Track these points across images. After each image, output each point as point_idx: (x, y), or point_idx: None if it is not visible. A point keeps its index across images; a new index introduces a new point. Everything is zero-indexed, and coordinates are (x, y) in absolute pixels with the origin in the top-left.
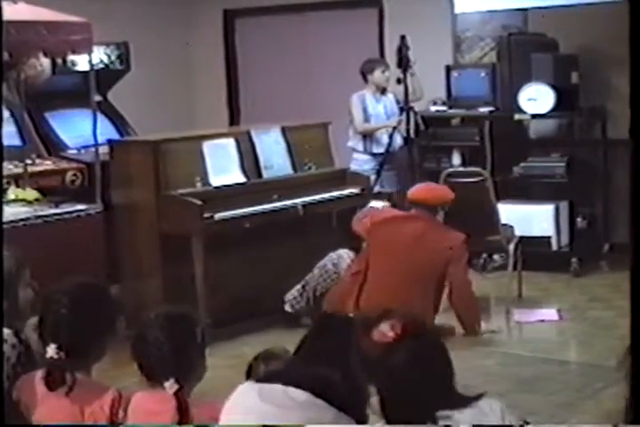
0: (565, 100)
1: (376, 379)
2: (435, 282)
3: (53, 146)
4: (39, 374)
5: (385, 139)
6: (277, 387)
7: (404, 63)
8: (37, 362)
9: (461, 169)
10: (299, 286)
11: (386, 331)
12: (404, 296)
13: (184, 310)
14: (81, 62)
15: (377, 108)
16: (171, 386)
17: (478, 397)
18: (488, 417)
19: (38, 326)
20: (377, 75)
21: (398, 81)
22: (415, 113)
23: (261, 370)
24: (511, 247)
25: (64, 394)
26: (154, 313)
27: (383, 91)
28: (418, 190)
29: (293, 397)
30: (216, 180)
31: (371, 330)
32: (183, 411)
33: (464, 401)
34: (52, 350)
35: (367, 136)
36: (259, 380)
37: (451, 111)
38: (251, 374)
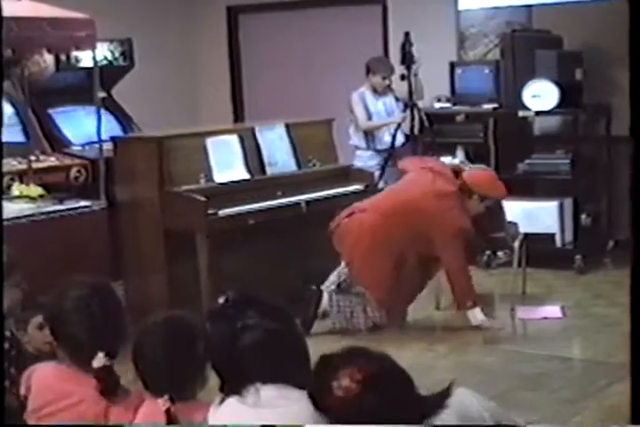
0: (569, 96)
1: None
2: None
3: (57, 142)
4: (52, 371)
5: (386, 137)
6: (249, 388)
7: (407, 60)
8: (28, 359)
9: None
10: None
11: (347, 384)
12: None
13: (185, 320)
14: (85, 59)
15: (377, 106)
16: (163, 403)
17: (449, 390)
18: (473, 406)
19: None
20: (377, 79)
21: (402, 77)
22: (419, 110)
23: None
24: (515, 244)
25: (112, 400)
26: (152, 322)
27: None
28: (477, 174)
29: (265, 395)
30: (220, 176)
31: (330, 387)
32: (106, 387)
33: (441, 401)
34: (101, 359)
35: (369, 134)
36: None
37: (455, 108)
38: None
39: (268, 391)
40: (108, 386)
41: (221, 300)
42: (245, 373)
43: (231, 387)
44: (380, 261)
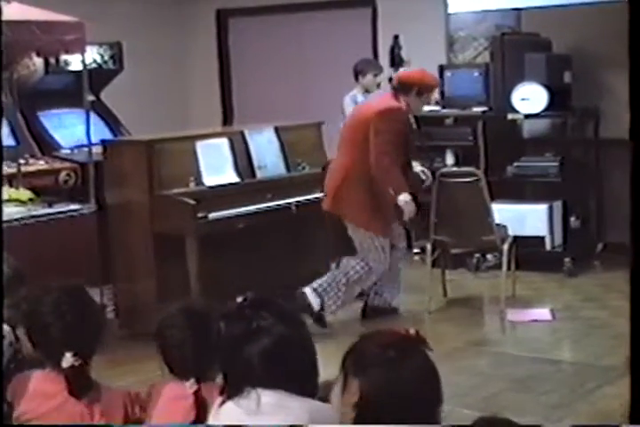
0: (558, 99)
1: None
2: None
3: (47, 146)
4: (35, 376)
5: None
6: (251, 393)
7: (396, 62)
8: (26, 365)
9: (455, 169)
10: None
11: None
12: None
13: (203, 307)
14: (74, 62)
15: None
16: (191, 386)
17: None
18: None
19: (29, 336)
20: (369, 78)
21: (390, 79)
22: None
23: None
24: (505, 247)
25: (88, 400)
26: (174, 310)
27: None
28: (409, 71)
29: (264, 402)
30: (210, 179)
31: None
32: (200, 409)
33: None
34: (70, 359)
35: None
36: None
37: (444, 111)
38: None
39: (268, 398)
40: (78, 386)
41: (239, 299)
42: (251, 376)
43: (233, 390)
44: (355, 193)
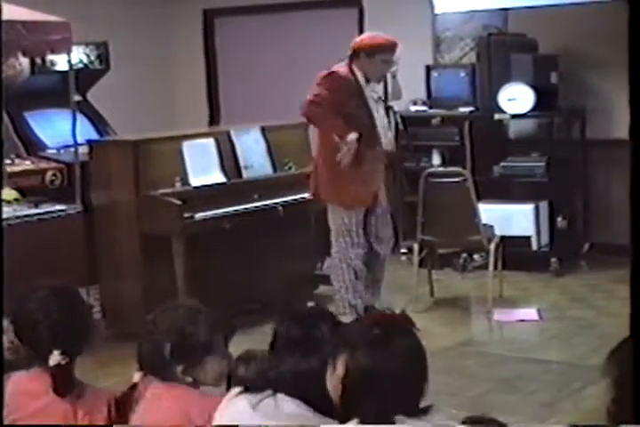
0: (545, 100)
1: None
2: None
3: (32, 146)
4: (26, 376)
5: None
6: (269, 398)
7: None
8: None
9: (442, 169)
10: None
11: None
12: None
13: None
14: (60, 62)
15: None
16: (54, 359)
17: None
18: None
19: (19, 338)
20: None
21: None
22: (394, 112)
23: (241, 372)
24: (492, 247)
25: (71, 400)
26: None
27: None
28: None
29: (283, 408)
30: (196, 180)
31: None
32: (61, 385)
33: (420, 412)
34: (57, 357)
35: None
36: (250, 388)
37: (431, 111)
38: (231, 375)
39: (288, 405)
40: (63, 385)
41: (311, 304)
42: (284, 382)
43: (254, 387)
44: (322, 170)
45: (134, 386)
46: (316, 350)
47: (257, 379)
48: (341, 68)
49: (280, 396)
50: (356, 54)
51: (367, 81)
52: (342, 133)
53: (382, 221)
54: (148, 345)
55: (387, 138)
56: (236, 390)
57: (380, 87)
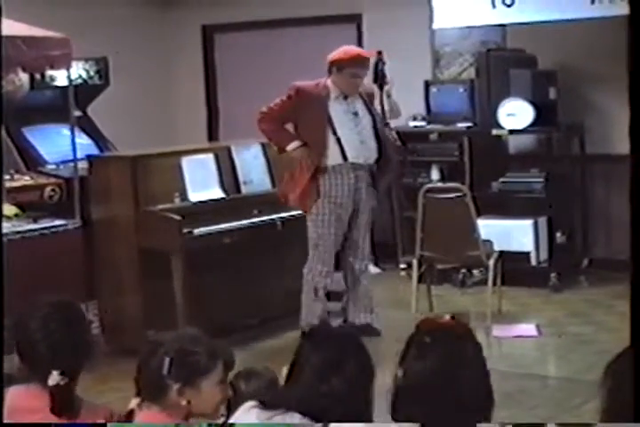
0: (544, 115)
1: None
2: None
3: (32, 161)
4: (24, 392)
5: None
6: (277, 415)
7: (379, 79)
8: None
9: (440, 185)
10: None
11: None
12: None
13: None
14: (60, 77)
15: None
16: (53, 379)
17: None
18: None
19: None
20: None
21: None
22: (390, 129)
23: (242, 388)
24: (491, 262)
25: (68, 416)
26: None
27: None
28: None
29: (289, 421)
30: (195, 195)
31: None
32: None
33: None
34: (56, 377)
35: None
36: (263, 403)
37: (429, 127)
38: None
39: (293, 419)
40: (60, 404)
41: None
42: (304, 401)
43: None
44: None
45: (131, 412)
46: (339, 372)
47: (267, 395)
48: (316, 81)
49: (291, 414)
50: (329, 69)
51: (346, 96)
52: (284, 145)
53: (363, 236)
54: (148, 359)
55: (357, 151)
56: (250, 403)
57: (360, 104)
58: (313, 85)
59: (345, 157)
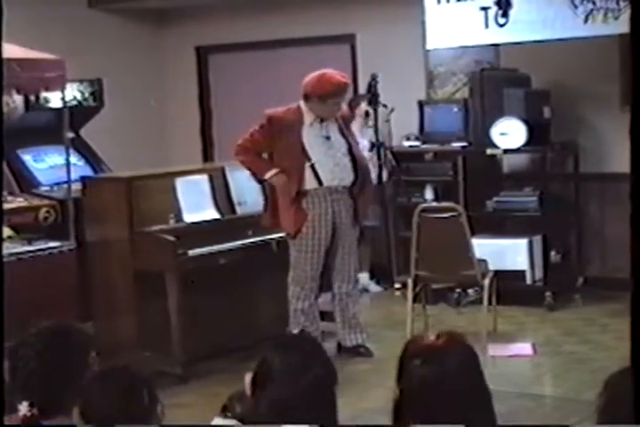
0: (537, 134)
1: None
2: None
3: (26, 183)
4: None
5: None
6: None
7: (373, 100)
8: None
9: (435, 204)
10: None
11: None
12: None
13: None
14: (54, 99)
15: None
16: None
17: None
18: None
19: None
20: None
21: (366, 113)
22: (385, 149)
23: (237, 410)
24: (486, 282)
25: None
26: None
27: None
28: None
29: None
30: (190, 216)
31: None
32: None
33: None
34: (24, 408)
35: None
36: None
37: (424, 146)
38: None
39: None
40: None
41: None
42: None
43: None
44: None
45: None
46: (298, 377)
47: (249, 416)
48: (287, 107)
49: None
50: (305, 97)
51: (322, 120)
52: (263, 174)
53: (346, 259)
54: None
55: (332, 174)
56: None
57: (335, 127)
58: (284, 111)
59: (320, 182)
